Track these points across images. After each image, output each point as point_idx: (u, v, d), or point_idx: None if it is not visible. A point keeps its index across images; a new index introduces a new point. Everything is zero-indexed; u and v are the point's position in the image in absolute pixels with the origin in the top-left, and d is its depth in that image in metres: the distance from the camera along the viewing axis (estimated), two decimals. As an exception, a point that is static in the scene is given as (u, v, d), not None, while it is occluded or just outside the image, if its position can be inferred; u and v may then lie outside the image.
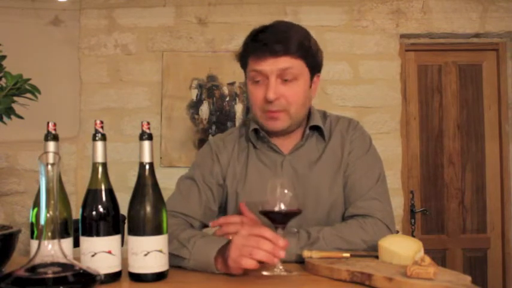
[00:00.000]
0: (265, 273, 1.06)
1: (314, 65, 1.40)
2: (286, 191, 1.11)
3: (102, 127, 1.08)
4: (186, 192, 1.44)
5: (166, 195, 1.19)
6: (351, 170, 1.41)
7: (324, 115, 1.52)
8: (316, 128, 1.45)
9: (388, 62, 2.99)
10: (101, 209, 1.06)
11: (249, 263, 1.02)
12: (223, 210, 1.49)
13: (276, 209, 1.11)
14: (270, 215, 1.12)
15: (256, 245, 1.02)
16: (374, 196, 1.36)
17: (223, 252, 1.10)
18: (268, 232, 1.03)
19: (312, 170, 1.42)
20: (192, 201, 1.42)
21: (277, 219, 1.12)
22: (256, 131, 1.45)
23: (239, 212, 1.43)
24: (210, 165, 1.47)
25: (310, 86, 1.42)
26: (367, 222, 1.30)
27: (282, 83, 1.34)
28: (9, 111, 1.36)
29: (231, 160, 1.47)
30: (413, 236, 2.96)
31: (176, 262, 1.16)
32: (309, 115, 1.47)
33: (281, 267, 1.06)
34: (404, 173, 3.00)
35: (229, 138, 1.52)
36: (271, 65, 1.32)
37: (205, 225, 1.47)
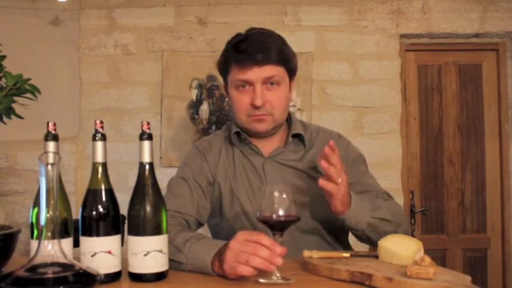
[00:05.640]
0: (262, 280, 1.04)
1: (292, 70, 1.49)
2: (284, 197, 1.09)
3: (102, 127, 1.08)
4: (178, 190, 1.46)
5: (166, 195, 1.20)
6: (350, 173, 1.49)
7: (304, 125, 1.59)
8: (296, 135, 1.51)
9: (388, 62, 2.99)
10: (101, 209, 1.06)
11: (246, 270, 1.01)
12: (218, 209, 1.50)
13: (275, 216, 1.08)
14: (268, 223, 1.10)
15: (253, 252, 1.01)
16: (381, 189, 1.50)
17: (220, 255, 1.09)
18: (265, 238, 1.03)
19: (293, 172, 1.47)
20: (185, 199, 1.44)
21: (276, 227, 1.10)
22: (237, 133, 1.51)
23: (236, 208, 1.45)
24: (199, 164, 1.51)
25: (290, 90, 1.50)
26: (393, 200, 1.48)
27: (266, 89, 1.41)
28: (9, 111, 1.36)
29: (219, 160, 1.52)
30: (413, 236, 2.96)
31: (173, 266, 1.16)
32: (290, 122, 1.54)
33: (278, 274, 1.04)
34: (404, 173, 3.00)
35: (215, 139, 1.58)
36: (256, 74, 1.39)
37: (200, 223, 1.48)
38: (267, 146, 1.50)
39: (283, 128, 1.53)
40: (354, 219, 1.30)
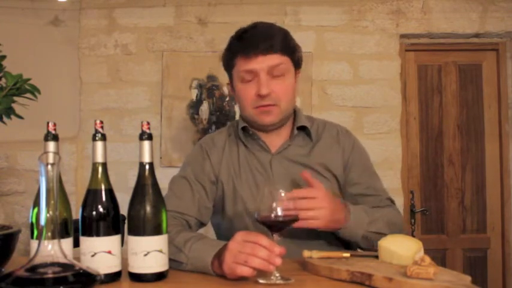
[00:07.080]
0: (261, 281, 1.04)
1: (297, 61, 1.47)
2: (282, 196, 1.09)
3: (102, 127, 1.08)
4: (179, 190, 1.45)
5: (166, 195, 1.20)
6: (354, 170, 1.49)
7: (310, 118, 1.58)
8: (302, 128, 1.50)
9: (388, 62, 2.99)
10: (101, 209, 1.06)
11: (245, 271, 1.01)
12: (220, 207, 1.49)
13: (273, 216, 1.08)
14: (267, 223, 1.09)
15: (252, 252, 1.01)
16: (386, 193, 1.51)
17: (219, 255, 1.09)
18: (263, 239, 1.02)
19: (301, 169, 1.44)
20: (186, 199, 1.43)
21: (274, 227, 1.10)
22: (244, 129, 1.48)
23: (239, 207, 1.44)
24: (201, 163, 1.49)
25: (295, 81, 1.48)
26: (394, 208, 1.49)
27: (271, 79, 1.39)
28: (9, 111, 1.36)
29: (223, 157, 1.50)
30: (413, 236, 2.96)
31: (174, 266, 1.16)
32: (295, 116, 1.52)
33: (277, 274, 1.04)
34: (404, 173, 3.00)
35: (219, 137, 1.55)
36: (260, 63, 1.37)
37: (202, 223, 1.47)
38: (275, 142, 1.48)
39: (289, 122, 1.50)
40: (349, 234, 1.31)
